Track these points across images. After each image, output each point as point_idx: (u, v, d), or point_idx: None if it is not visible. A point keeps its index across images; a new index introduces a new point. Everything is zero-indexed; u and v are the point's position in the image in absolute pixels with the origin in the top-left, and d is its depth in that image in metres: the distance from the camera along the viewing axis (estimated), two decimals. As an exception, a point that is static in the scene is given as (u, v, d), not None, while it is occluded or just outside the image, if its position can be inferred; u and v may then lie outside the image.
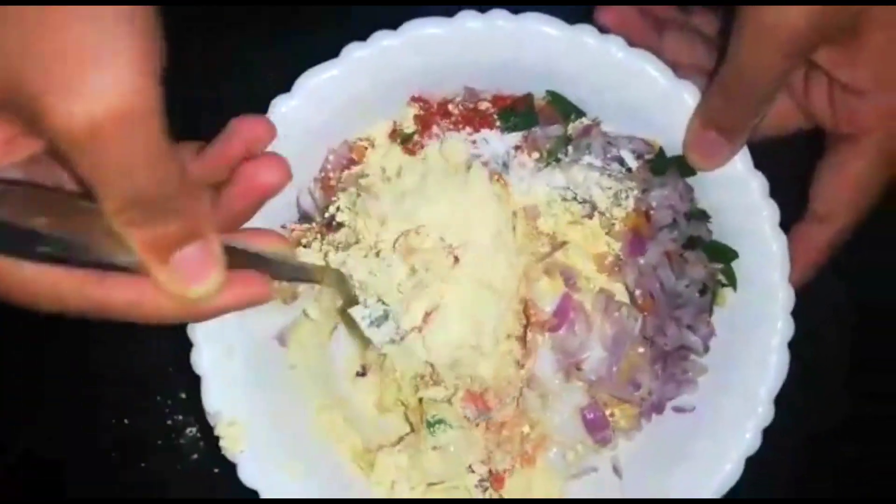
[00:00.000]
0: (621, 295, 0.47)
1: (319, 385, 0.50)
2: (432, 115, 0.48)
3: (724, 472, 0.44)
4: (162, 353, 0.56)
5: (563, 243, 0.47)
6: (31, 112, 0.27)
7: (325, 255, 0.46)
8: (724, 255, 0.47)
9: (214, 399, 0.45)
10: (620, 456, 0.49)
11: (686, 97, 0.45)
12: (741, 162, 0.44)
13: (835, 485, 0.55)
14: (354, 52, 0.45)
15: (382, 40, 0.45)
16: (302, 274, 0.44)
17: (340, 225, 0.46)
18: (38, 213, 0.32)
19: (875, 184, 0.44)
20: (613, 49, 0.45)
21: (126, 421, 0.57)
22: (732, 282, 0.47)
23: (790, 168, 0.45)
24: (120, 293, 0.34)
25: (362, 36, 0.45)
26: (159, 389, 0.57)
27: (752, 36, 0.39)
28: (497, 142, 0.48)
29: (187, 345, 0.45)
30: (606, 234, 0.46)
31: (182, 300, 0.34)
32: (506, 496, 0.48)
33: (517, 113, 0.48)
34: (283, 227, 0.48)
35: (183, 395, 0.57)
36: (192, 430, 0.57)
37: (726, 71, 0.41)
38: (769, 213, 0.44)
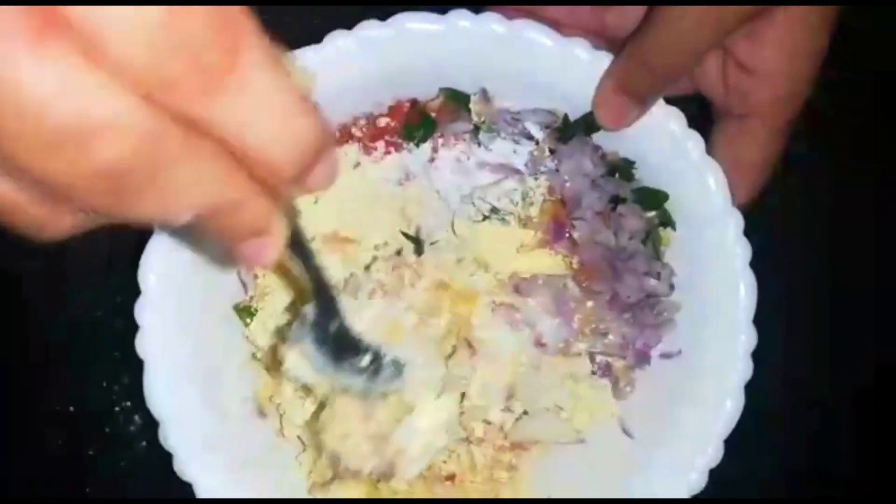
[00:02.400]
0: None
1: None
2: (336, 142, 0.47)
3: (728, 408, 0.44)
4: (106, 337, 0.53)
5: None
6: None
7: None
8: (655, 199, 0.46)
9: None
10: (625, 417, 0.48)
11: (579, 53, 0.43)
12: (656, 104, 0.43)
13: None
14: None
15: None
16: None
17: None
18: None
19: (768, 163, 0.44)
20: (494, 26, 0.43)
21: (71, 409, 0.54)
22: (670, 223, 0.46)
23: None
24: None
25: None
26: (104, 375, 0.54)
27: (691, 8, 0.38)
28: (412, 161, 0.47)
29: (132, 327, 0.42)
30: (524, 226, 0.47)
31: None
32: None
33: (414, 126, 0.46)
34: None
35: (126, 381, 0.54)
36: (138, 417, 0.54)
37: (651, 41, 0.40)
38: (694, 143, 0.43)
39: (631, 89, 0.42)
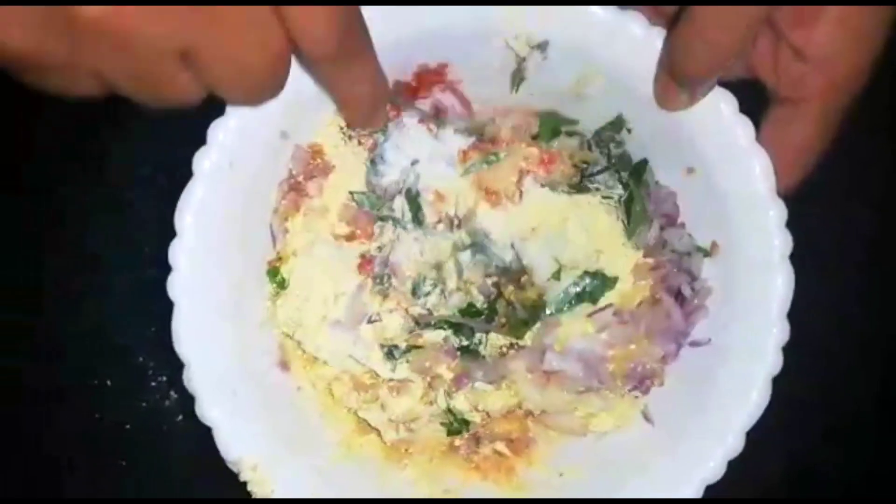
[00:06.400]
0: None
1: (329, 400, 0.49)
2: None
3: (753, 400, 0.43)
4: (132, 308, 0.55)
5: None
6: None
7: None
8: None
9: (231, 448, 0.44)
10: (647, 403, 0.48)
11: (633, 27, 0.42)
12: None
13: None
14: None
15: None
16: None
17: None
18: None
19: (816, 149, 0.43)
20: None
21: (109, 382, 0.56)
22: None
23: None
24: None
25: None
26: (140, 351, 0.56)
27: None
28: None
29: (168, 305, 0.43)
30: None
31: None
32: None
33: None
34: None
35: (163, 357, 0.54)
36: (174, 394, 0.56)
37: (703, 14, 0.39)
38: (743, 128, 0.43)
39: (676, 71, 0.41)
